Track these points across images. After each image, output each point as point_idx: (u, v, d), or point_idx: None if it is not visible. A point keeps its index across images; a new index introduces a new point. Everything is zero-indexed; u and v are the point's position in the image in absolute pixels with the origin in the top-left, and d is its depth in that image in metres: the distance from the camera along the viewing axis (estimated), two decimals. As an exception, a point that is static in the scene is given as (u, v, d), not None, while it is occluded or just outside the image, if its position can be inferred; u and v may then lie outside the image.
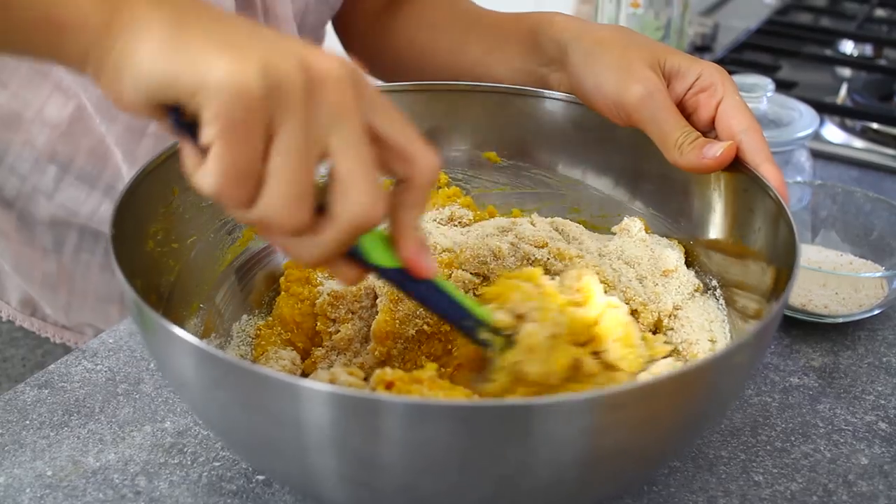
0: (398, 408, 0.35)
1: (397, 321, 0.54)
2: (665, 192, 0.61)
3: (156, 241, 0.51)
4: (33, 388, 0.57)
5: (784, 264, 0.47)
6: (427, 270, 0.42)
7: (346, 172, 0.37)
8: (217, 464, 0.52)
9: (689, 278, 0.57)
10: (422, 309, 0.54)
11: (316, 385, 0.36)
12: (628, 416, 0.37)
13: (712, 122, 0.55)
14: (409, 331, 0.54)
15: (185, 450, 0.53)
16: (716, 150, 0.53)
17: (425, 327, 0.54)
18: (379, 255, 0.41)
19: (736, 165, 0.53)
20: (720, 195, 0.57)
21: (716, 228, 0.58)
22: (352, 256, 0.41)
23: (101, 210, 0.72)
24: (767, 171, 0.51)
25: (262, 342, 0.55)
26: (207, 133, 0.36)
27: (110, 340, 0.62)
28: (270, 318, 0.57)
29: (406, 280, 0.43)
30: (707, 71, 0.55)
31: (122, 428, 0.54)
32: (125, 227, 0.46)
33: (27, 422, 0.55)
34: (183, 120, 0.37)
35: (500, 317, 0.48)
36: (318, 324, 0.56)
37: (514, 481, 0.37)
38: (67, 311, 0.77)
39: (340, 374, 0.47)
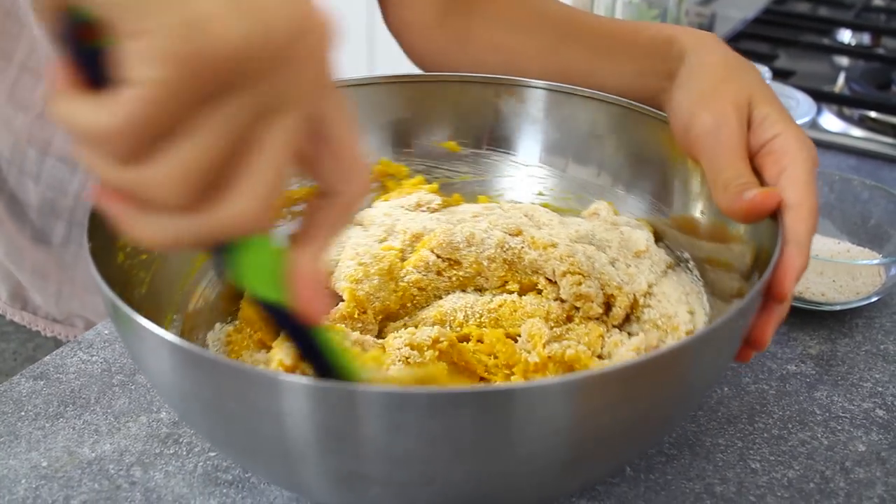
0: (376, 397, 0.34)
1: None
2: (633, 172, 0.61)
3: (126, 254, 0.50)
4: (28, 379, 0.57)
5: (762, 243, 0.46)
6: (317, 315, 0.34)
7: (255, 165, 0.30)
8: (213, 454, 0.52)
9: (660, 256, 0.57)
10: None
11: (288, 378, 0.34)
12: (612, 397, 0.36)
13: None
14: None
15: (181, 440, 0.53)
16: (752, 195, 0.47)
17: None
18: (256, 275, 0.32)
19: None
20: (685, 173, 0.57)
21: (683, 205, 0.58)
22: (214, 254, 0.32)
23: (88, 188, 0.71)
24: (786, 253, 0.45)
25: (235, 347, 0.53)
26: (142, 71, 0.27)
27: (105, 332, 0.62)
28: (238, 323, 0.55)
29: (284, 318, 0.34)
30: (784, 137, 0.50)
31: (118, 419, 0.54)
32: (99, 241, 0.45)
33: (22, 413, 0.55)
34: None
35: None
36: None
37: (500, 465, 0.37)
38: (58, 299, 0.77)
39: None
